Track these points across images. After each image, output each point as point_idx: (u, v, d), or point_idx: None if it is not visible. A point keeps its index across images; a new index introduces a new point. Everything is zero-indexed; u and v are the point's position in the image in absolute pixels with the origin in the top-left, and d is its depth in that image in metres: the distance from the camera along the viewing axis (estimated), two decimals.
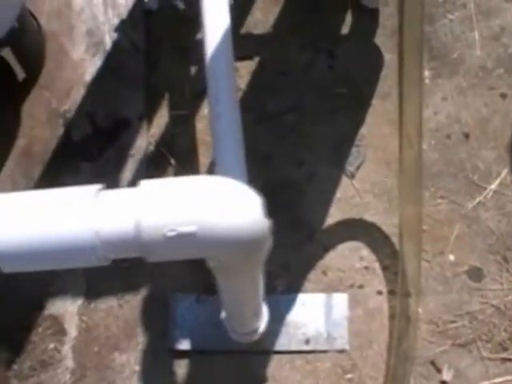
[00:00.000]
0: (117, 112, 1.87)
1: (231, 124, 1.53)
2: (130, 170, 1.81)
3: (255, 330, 1.44)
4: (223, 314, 1.43)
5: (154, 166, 1.82)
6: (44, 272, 1.64)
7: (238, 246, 0.90)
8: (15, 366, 1.71)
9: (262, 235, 0.92)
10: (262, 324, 1.45)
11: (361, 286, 1.74)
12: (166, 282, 1.75)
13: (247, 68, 1.91)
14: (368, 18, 1.97)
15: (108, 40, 1.95)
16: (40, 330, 1.73)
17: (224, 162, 1.37)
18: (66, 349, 1.72)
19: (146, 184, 0.89)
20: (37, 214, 0.87)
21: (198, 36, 1.98)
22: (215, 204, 0.89)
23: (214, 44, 1.58)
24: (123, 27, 1.96)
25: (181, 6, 2.00)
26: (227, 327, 1.47)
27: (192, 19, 1.99)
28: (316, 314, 1.71)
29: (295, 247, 1.74)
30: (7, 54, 1.80)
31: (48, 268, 0.90)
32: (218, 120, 1.53)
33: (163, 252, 0.89)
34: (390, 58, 1.93)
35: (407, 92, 1.53)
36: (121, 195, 0.89)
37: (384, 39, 1.95)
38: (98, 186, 0.90)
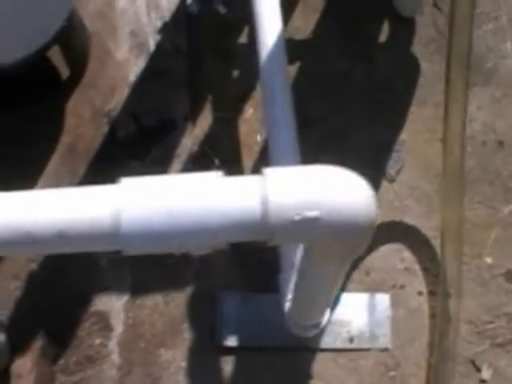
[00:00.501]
0: (162, 112, 1.90)
1: (287, 127, 1.57)
2: (175, 170, 1.84)
3: (318, 324, 1.48)
4: (287, 306, 1.46)
5: (198, 166, 1.85)
6: (90, 268, 1.67)
7: (354, 230, 0.94)
8: (61, 361, 1.73)
9: (374, 221, 0.96)
10: (325, 318, 1.49)
11: (402, 287, 1.78)
12: (212, 280, 1.77)
13: (288, 73, 1.95)
14: (405, 27, 2.02)
15: (151, 42, 1.98)
16: (86, 325, 1.75)
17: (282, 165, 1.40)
18: (113, 344, 1.73)
19: (270, 171, 0.92)
20: (168, 197, 0.90)
21: (240, 40, 2.01)
22: (336, 190, 0.92)
23: (270, 48, 1.62)
24: (166, 30, 1.99)
25: (222, 10, 2.04)
26: (289, 320, 1.50)
27: (233, 23, 2.03)
28: (359, 313, 1.75)
29: None
30: (53, 52, 1.81)
31: (175, 250, 0.93)
32: (274, 124, 1.57)
33: (286, 235, 0.92)
34: (426, 66, 1.98)
35: (453, 99, 1.58)
36: (246, 180, 0.92)
37: (420, 48, 2.00)
38: (219, 173, 0.93)
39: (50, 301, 1.77)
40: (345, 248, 1.01)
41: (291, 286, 1.48)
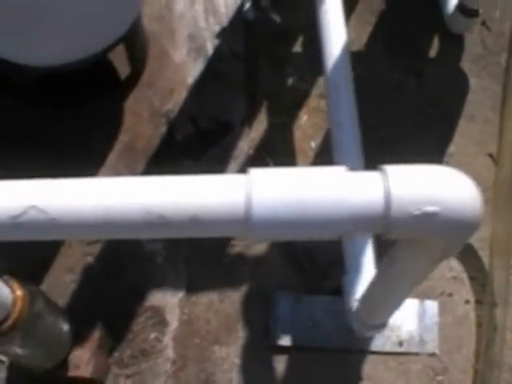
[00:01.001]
0: (219, 115, 1.94)
1: (353, 133, 1.62)
2: (232, 172, 1.87)
3: (383, 324, 1.52)
4: (355, 305, 1.51)
5: None
6: (146, 264, 1.71)
7: (465, 227, 0.99)
8: (116, 354, 1.75)
9: (480, 219, 1.01)
10: (391, 319, 1.53)
11: (450, 295, 1.83)
12: (267, 279, 1.81)
13: None
14: (454, 44, 2.08)
15: (209, 46, 2.03)
16: (141, 319, 1.78)
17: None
18: (167, 339, 1.76)
19: (391, 168, 0.97)
20: (297, 187, 0.94)
21: (294, 49, 2.06)
22: (453, 188, 0.97)
23: (335, 57, 1.67)
24: (224, 35, 2.04)
25: (277, 18, 2.09)
26: (354, 319, 1.54)
27: (288, 32, 2.08)
28: (409, 319, 1.79)
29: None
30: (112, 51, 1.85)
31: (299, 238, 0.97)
32: (339, 128, 1.61)
33: (404, 229, 0.96)
34: (474, 82, 2.04)
35: (507, 116, 1.64)
36: (369, 175, 0.97)
37: (469, 64, 2.06)
38: (343, 167, 0.97)
39: (105, 294, 1.79)
40: (447, 246, 1.06)
41: (357, 286, 1.52)
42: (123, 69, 1.97)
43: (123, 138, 1.91)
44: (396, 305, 1.38)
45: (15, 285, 1.42)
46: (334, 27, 1.75)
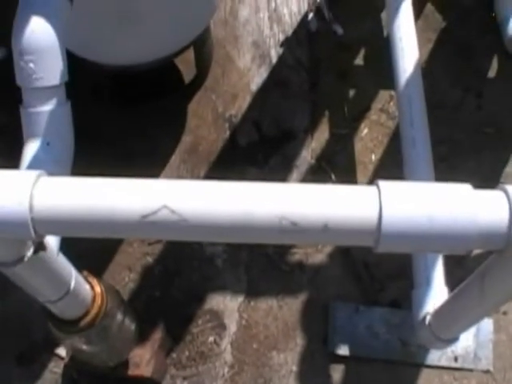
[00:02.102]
0: (282, 123, 1.96)
1: (425, 149, 1.64)
2: (294, 180, 1.89)
3: (456, 338, 1.54)
4: (427, 318, 1.52)
5: (315, 179, 1.91)
6: (206, 267, 1.72)
7: None
8: (174, 355, 1.76)
9: None
10: (462, 334, 1.55)
11: (505, 313, 1.85)
12: (326, 289, 1.82)
13: None
14: None
15: (273, 54, 2.04)
16: (200, 322, 1.79)
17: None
18: (225, 343, 1.77)
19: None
20: (427, 203, 0.96)
21: (356, 61, 2.08)
22: None
23: (408, 73, 1.69)
24: (288, 43, 2.06)
25: (339, 31, 2.11)
26: (425, 332, 1.56)
27: (350, 44, 2.10)
28: (465, 335, 1.80)
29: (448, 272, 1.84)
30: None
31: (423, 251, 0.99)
32: (412, 145, 1.63)
33: None
34: None
35: None
36: (493, 195, 0.99)
37: None
38: (468, 185, 0.99)
39: (164, 295, 1.80)
40: None
41: (428, 300, 1.54)
42: (187, 72, 1.97)
43: (186, 140, 1.93)
44: (475, 321, 1.40)
45: (94, 281, 1.43)
46: (407, 43, 1.77)
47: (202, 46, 1.86)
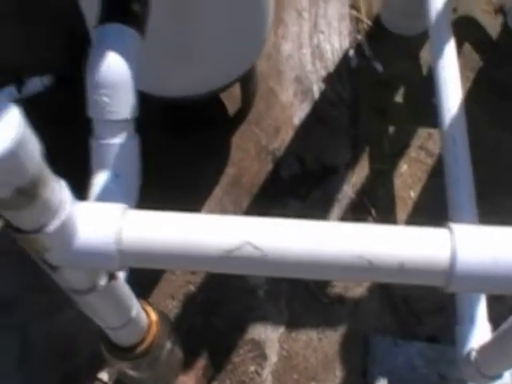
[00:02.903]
0: (324, 157, 2.00)
1: (469, 188, 1.68)
2: (336, 214, 1.93)
3: (500, 375, 1.56)
4: (473, 355, 1.55)
5: (355, 213, 1.95)
6: (248, 297, 1.75)
7: None
8: (215, 383, 1.78)
9: None
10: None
11: None
12: (365, 321, 1.85)
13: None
14: None
15: (316, 89, 2.09)
16: (241, 351, 1.82)
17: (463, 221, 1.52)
18: (266, 373, 1.80)
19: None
20: (497, 247, 1.00)
21: (396, 98, 2.13)
22: None
23: (452, 112, 1.73)
24: (330, 80, 2.10)
25: (379, 68, 2.16)
26: (470, 367, 1.58)
27: (389, 81, 2.14)
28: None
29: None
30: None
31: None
32: (457, 183, 1.67)
33: None
34: None
35: None
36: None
37: None
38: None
39: (206, 324, 1.83)
40: None
41: (472, 337, 1.57)
42: (231, 105, 2.01)
43: (230, 172, 1.97)
44: None
45: (149, 309, 1.46)
46: (451, 83, 1.81)
47: (247, 80, 1.91)
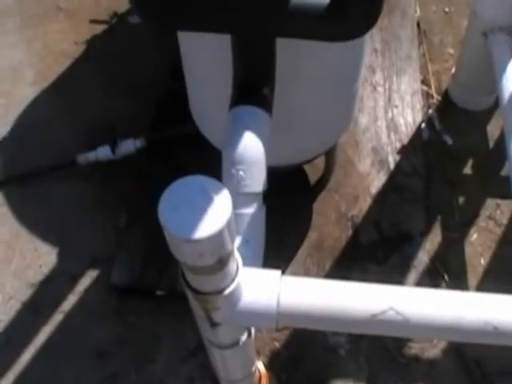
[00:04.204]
0: (400, 224, 2.14)
1: None
2: (412, 279, 2.06)
3: None
4: None
5: (430, 279, 2.08)
6: (329, 355, 1.88)
7: None
8: None
9: None
10: None
11: None
12: (440, 382, 1.97)
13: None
14: None
15: (391, 160, 2.24)
16: None
17: None
18: None
19: None
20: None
21: (465, 170, 2.28)
22: None
23: None
24: (404, 151, 2.26)
25: (449, 141, 2.32)
26: None
27: (458, 154, 2.30)
28: None
29: None
30: None
31: None
32: None
33: None
34: None
35: None
36: None
37: None
38: None
39: (289, 379, 1.96)
40: None
41: None
42: (312, 173, 2.17)
43: (313, 236, 2.11)
44: None
45: (258, 362, 1.59)
46: None
47: (331, 151, 2.06)
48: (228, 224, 0.89)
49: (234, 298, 1.07)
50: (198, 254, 0.90)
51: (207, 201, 0.89)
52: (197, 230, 0.87)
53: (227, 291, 1.03)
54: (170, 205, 0.89)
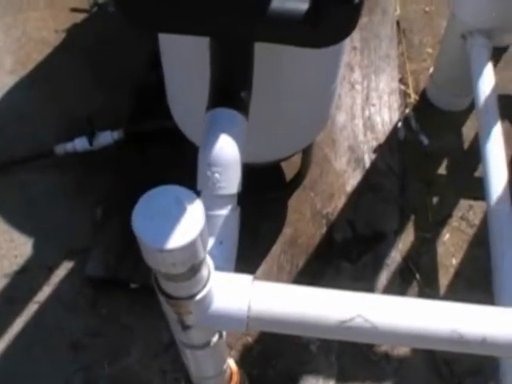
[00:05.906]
0: (374, 223, 2.17)
1: None
2: (384, 278, 2.10)
3: None
4: None
5: (402, 278, 2.11)
6: (301, 351, 1.91)
7: None
8: None
9: None
10: None
11: None
12: (408, 379, 2.01)
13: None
14: None
15: (367, 159, 2.27)
16: None
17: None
18: None
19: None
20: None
21: (439, 171, 2.31)
22: None
23: (498, 192, 1.92)
24: (380, 150, 2.29)
25: (425, 141, 2.35)
26: None
27: (434, 154, 2.33)
28: None
29: None
30: None
31: None
32: (502, 258, 1.85)
33: None
34: None
35: None
36: None
37: None
38: None
39: (261, 374, 1.98)
40: None
41: None
42: (287, 170, 2.19)
43: (287, 232, 2.13)
44: None
45: (230, 359, 1.62)
46: (498, 167, 1.98)
47: (308, 149, 2.08)
48: (201, 234, 0.91)
49: (205, 302, 1.08)
50: (171, 263, 0.92)
51: (181, 211, 0.90)
52: (170, 241, 0.88)
53: (199, 296, 1.05)
54: (144, 214, 0.90)
